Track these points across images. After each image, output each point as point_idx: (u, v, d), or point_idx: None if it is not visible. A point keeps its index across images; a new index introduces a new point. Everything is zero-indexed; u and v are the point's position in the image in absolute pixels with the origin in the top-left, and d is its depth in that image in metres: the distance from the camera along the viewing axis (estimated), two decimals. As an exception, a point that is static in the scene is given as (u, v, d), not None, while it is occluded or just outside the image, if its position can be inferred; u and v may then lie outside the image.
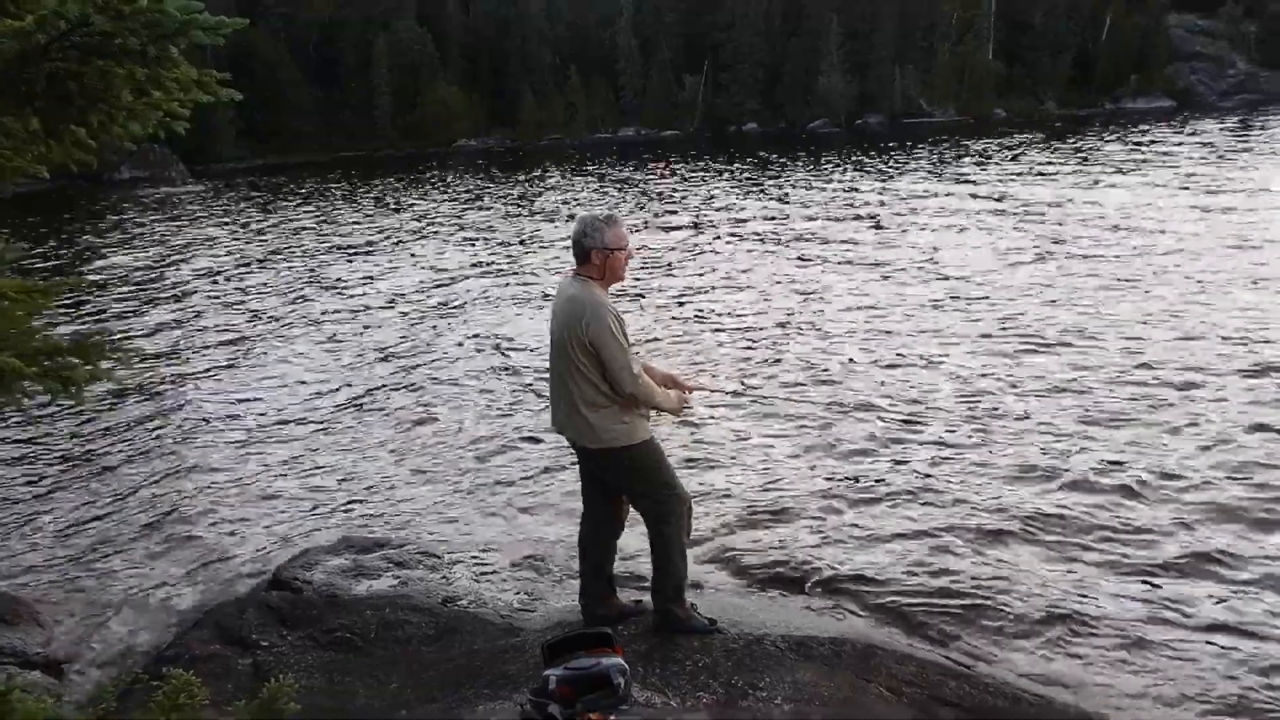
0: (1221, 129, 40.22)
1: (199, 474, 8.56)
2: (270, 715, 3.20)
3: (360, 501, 7.78)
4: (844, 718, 3.84)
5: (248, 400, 10.74)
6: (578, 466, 4.79)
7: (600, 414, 4.34)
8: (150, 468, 8.79)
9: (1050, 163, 31.51)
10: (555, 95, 60.77)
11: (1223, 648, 5.11)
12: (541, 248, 20.36)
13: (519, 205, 27.47)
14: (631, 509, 4.74)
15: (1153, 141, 35.33)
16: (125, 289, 18.09)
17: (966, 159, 34.25)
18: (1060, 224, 19.32)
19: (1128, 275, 14.26)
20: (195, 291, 17.58)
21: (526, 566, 6.19)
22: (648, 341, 11.79)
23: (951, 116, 62.08)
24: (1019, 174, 28.81)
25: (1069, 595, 5.67)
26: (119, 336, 13.94)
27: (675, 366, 8.89)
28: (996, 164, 31.83)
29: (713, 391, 9.35)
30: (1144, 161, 29.39)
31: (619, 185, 31.79)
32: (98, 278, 19.04)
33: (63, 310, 15.24)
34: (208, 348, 13.34)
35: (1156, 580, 5.82)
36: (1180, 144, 34.80)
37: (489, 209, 26.76)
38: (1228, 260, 14.78)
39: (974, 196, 24.44)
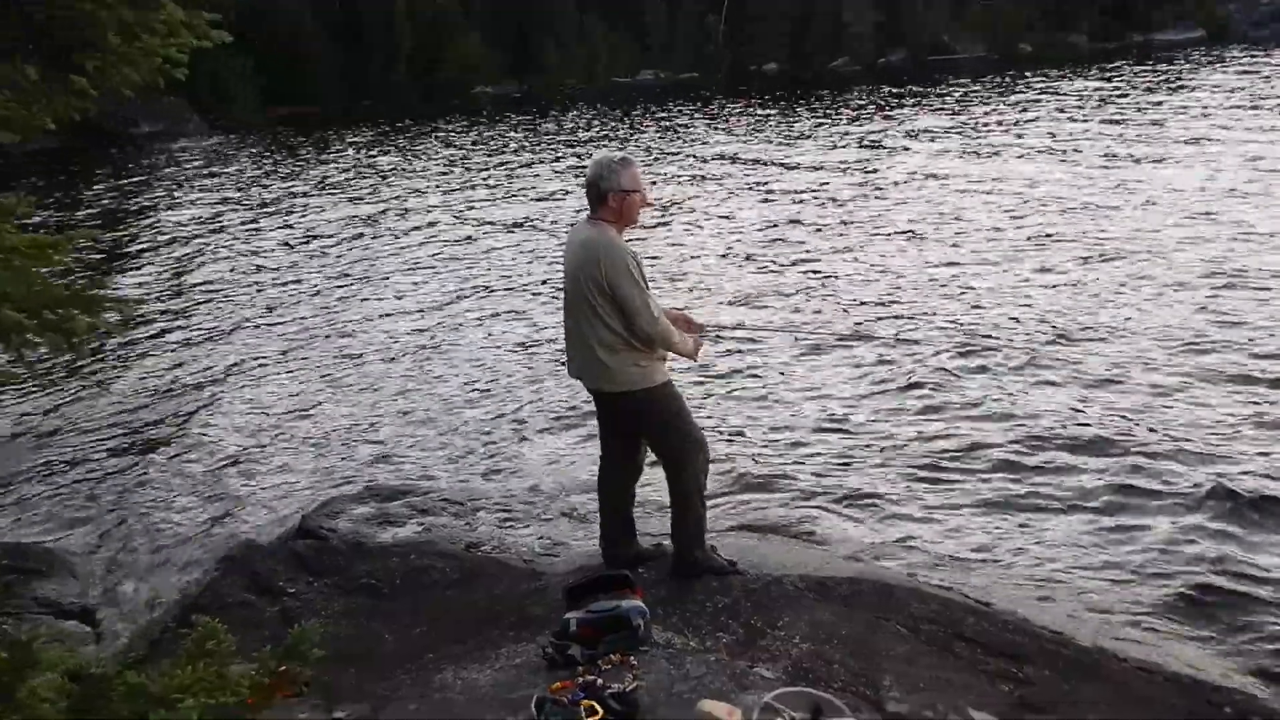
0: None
1: (223, 426, 8.64)
2: (296, 659, 3.25)
3: (383, 450, 7.84)
4: (861, 655, 3.87)
5: (264, 352, 10.78)
6: (595, 412, 4.80)
7: (618, 357, 4.33)
8: (175, 420, 8.89)
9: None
10: (573, 40, 59.83)
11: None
12: (562, 194, 20.22)
13: (540, 152, 27.27)
14: (649, 452, 4.76)
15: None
16: (139, 241, 18.08)
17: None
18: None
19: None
20: (207, 242, 17.49)
21: (547, 511, 6.25)
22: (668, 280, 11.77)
23: (978, 53, 60.78)
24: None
25: (1092, 539, 5.67)
26: (126, 288, 13.99)
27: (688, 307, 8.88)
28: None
29: (725, 331, 9.37)
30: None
31: (644, 131, 31.48)
32: (108, 229, 19.03)
33: (74, 263, 15.25)
34: (219, 299, 13.36)
35: (1185, 529, 5.80)
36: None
37: (511, 159, 26.57)
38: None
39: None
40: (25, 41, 2.07)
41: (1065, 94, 32.39)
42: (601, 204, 4.37)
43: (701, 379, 8.53)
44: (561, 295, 4.61)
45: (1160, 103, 27.80)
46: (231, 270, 15.18)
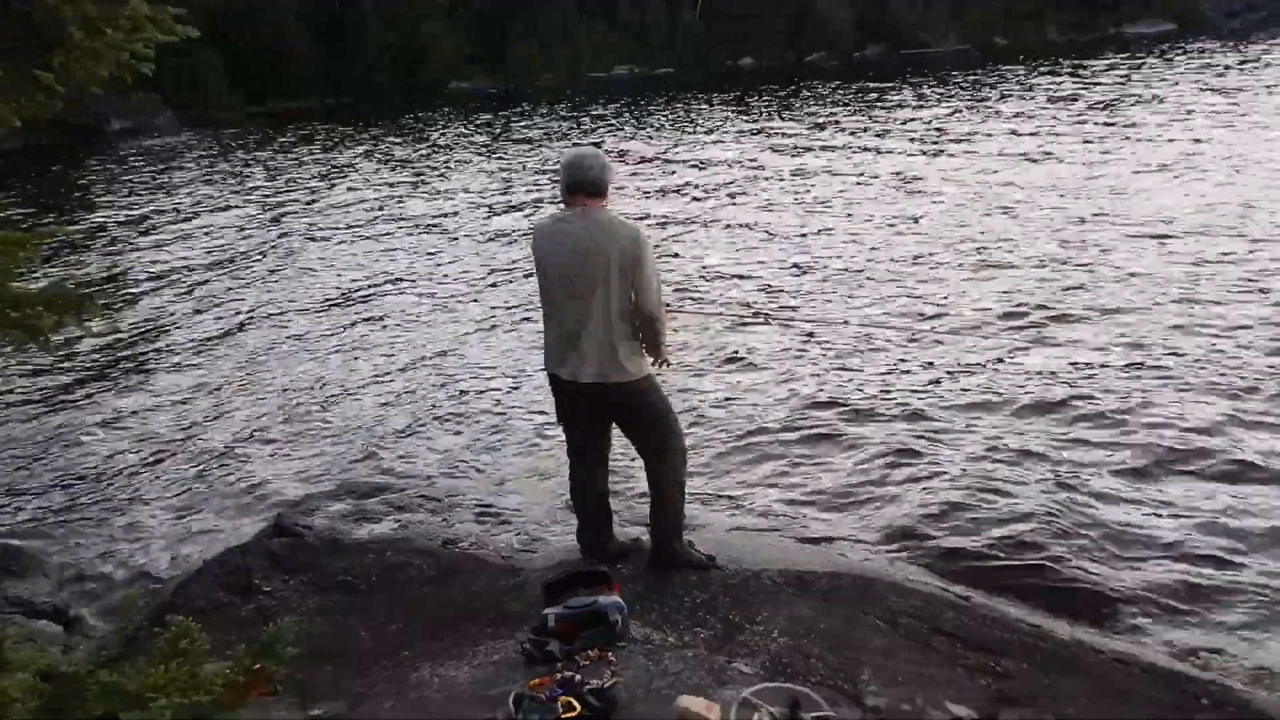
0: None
1: (197, 423, 8.56)
2: (271, 658, 3.22)
3: (359, 447, 7.78)
4: (839, 649, 3.88)
5: (234, 350, 10.66)
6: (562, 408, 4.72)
7: (626, 347, 4.31)
8: (146, 417, 8.79)
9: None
10: (555, 37, 59.58)
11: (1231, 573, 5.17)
12: (527, 188, 20.09)
13: (519, 148, 27.15)
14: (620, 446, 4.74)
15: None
16: (108, 239, 17.80)
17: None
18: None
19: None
20: (173, 241, 17.20)
21: (525, 507, 6.23)
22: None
23: (953, 46, 61.08)
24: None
25: (1067, 528, 5.71)
26: (101, 285, 13.82)
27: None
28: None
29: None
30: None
31: (612, 126, 31.39)
32: (79, 228, 18.73)
33: (44, 261, 14.98)
34: (186, 298, 13.15)
35: (1154, 508, 5.87)
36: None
37: (487, 154, 26.45)
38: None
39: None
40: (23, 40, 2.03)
41: (1036, 87, 32.55)
42: (601, 195, 4.37)
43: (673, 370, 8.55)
44: (536, 292, 4.56)
45: (1127, 96, 27.98)
46: (196, 267, 14.94)
